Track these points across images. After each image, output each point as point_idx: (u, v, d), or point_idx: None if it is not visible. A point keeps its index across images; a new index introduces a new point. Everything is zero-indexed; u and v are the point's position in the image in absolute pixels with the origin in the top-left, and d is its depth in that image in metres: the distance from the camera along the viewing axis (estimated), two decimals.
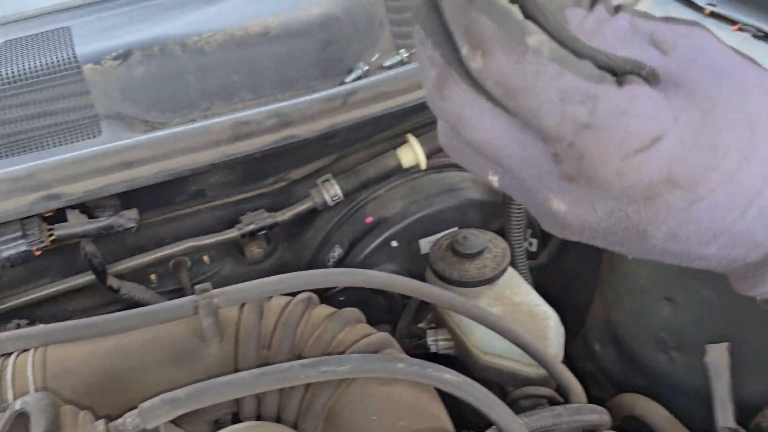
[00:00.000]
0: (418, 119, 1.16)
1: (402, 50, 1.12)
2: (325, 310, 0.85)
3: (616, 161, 0.33)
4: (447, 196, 1.20)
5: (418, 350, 1.13)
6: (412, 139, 1.11)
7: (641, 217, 0.35)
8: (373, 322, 1.20)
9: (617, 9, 0.37)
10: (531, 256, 1.25)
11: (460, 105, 0.35)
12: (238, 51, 1.04)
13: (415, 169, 1.14)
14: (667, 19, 0.37)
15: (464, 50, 0.34)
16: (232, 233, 1.10)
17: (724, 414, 0.79)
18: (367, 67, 1.10)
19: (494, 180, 0.39)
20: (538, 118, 0.33)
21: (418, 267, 1.14)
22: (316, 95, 0.98)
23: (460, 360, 1.07)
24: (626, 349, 1.02)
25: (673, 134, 0.33)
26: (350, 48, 1.10)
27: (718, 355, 0.83)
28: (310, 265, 1.21)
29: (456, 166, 1.25)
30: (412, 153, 1.11)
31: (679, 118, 0.34)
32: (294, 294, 0.84)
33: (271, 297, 0.84)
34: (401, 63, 1.11)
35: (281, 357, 0.79)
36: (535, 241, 1.25)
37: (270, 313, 0.82)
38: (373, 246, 1.15)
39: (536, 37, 0.33)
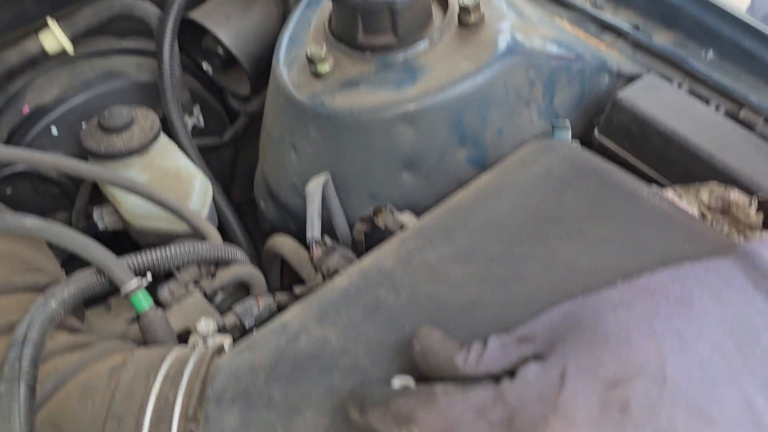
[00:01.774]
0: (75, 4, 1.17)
1: None
2: None
3: None
4: (109, 80, 1.22)
5: (91, 230, 1.17)
6: (52, 23, 1.12)
7: None
8: (48, 210, 1.22)
9: (483, 342, 0.47)
10: (201, 132, 1.31)
11: None
12: None
13: (63, 54, 1.15)
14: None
15: None
16: None
17: (313, 229, 0.90)
18: None
19: None
20: None
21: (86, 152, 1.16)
22: None
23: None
24: (276, 198, 1.11)
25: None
26: None
27: (313, 184, 0.94)
28: None
29: (122, 51, 1.27)
30: (54, 37, 1.11)
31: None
32: None
33: None
34: None
35: None
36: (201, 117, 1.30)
37: None
38: (32, 135, 1.16)
39: None
